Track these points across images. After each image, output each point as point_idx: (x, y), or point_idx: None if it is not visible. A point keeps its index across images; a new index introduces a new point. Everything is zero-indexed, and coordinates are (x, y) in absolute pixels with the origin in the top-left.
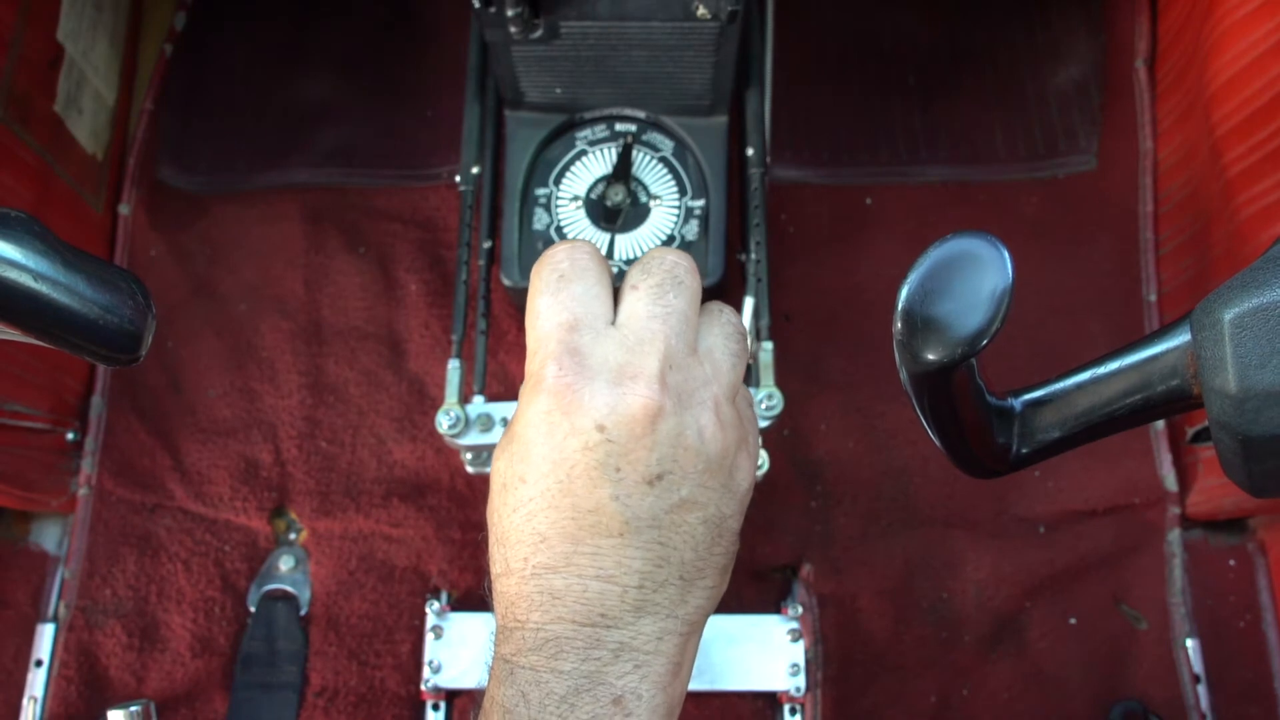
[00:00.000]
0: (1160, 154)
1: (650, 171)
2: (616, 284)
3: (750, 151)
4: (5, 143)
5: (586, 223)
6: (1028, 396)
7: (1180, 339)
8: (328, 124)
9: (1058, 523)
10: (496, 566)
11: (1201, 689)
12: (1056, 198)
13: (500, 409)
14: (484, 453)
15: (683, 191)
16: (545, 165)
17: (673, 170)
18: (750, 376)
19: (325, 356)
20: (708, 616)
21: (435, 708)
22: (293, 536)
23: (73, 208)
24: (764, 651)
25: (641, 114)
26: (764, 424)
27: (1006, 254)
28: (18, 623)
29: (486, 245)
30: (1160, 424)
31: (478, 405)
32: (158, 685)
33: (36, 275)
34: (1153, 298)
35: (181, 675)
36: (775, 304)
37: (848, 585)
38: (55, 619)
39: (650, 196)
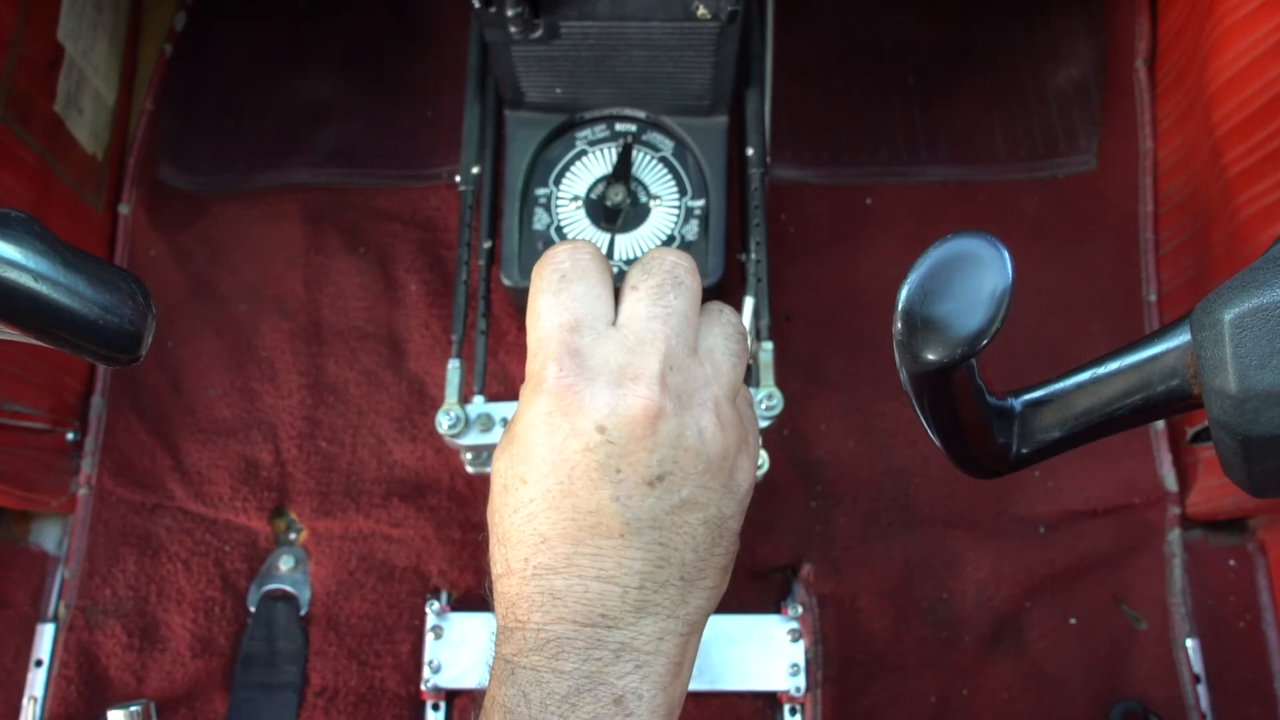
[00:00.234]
0: (1160, 154)
1: (650, 171)
2: (617, 284)
3: (750, 151)
4: (5, 143)
5: (586, 223)
6: (1028, 396)
7: (1180, 339)
8: (328, 124)
9: (1058, 523)
10: (497, 567)
11: (1201, 689)
12: (1056, 198)
13: (500, 409)
14: (484, 453)
15: (683, 191)
16: (545, 165)
17: (673, 170)
18: (750, 376)
19: (325, 356)
20: (708, 617)
21: (435, 708)
22: (293, 536)
23: (73, 208)
24: (764, 651)
25: (641, 114)
26: (764, 424)
27: (1006, 254)
28: (18, 623)
29: (486, 245)
30: (1160, 424)
31: (478, 405)
32: (158, 685)
33: (36, 275)
34: (1153, 298)
35: (181, 675)
36: (775, 304)
37: (848, 585)
38: (55, 619)
39: (650, 196)
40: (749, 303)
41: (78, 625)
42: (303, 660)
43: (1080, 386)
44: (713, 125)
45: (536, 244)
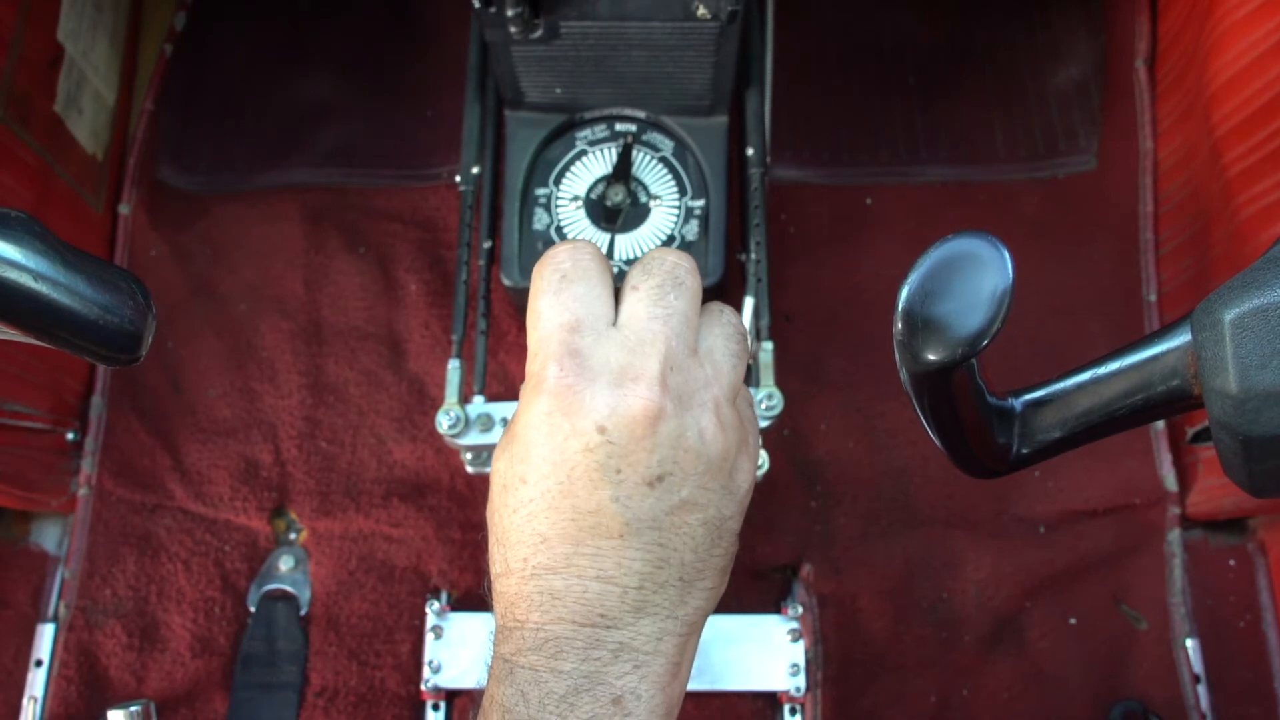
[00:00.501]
0: (1160, 154)
1: (650, 171)
2: (617, 284)
3: (750, 151)
4: (5, 143)
5: (586, 223)
6: (1028, 397)
7: (1181, 339)
8: (328, 124)
9: (1058, 523)
10: (496, 566)
11: (1201, 689)
12: (1056, 198)
13: (500, 409)
14: (484, 453)
15: (683, 191)
16: (545, 165)
17: (673, 170)
18: (750, 376)
19: (325, 356)
20: (707, 617)
21: (435, 708)
22: (293, 536)
23: (73, 208)
24: (764, 651)
25: (641, 114)
26: (764, 424)
27: (1007, 254)
28: (18, 623)
29: (486, 245)
30: (1160, 424)
31: (478, 405)
32: (158, 685)
33: (36, 275)
34: (1153, 298)
35: (181, 675)
36: (775, 304)
37: (848, 585)
38: (55, 619)
39: (650, 196)
40: (749, 303)
41: (78, 625)
42: (303, 660)
43: (1081, 387)
44: (713, 125)
45: (536, 244)
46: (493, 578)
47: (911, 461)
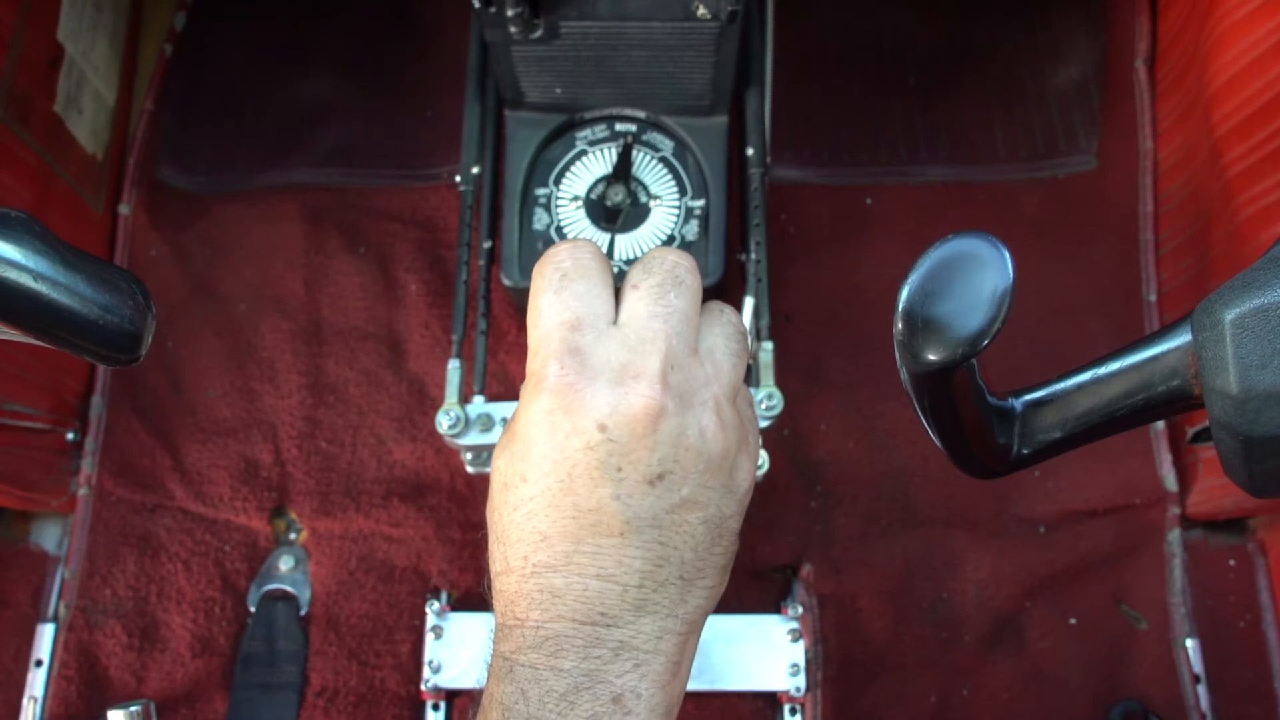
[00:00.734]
0: (1160, 154)
1: (650, 171)
2: (617, 284)
3: (750, 151)
4: (5, 143)
5: (586, 223)
6: (1028, 397)
7: (1181, 339)
8: (328, 124)
9: (1058, 523)
10: (496, 564)
11: (1201, 689)
12: (1056, 198)
13: (500, 409)
14: (484, 453)
15: (683, 191)
16: (545, 165)
17: (673, 170)
18: (750, 376)
19: (325, 356)
20: (707, 616)
21: (435, 708)
22: (293, 536)
23: (73, 208)
24: (764, 651)
25: (641, 114)
26: (764, 424)
27: (1007, 254)
28: (18, 623)
29: (486, 245)
30: (1160, 424)
31: (478, 405)
32: (158, 685)
33: (36, 275)
34: (1153, 298)
35: (181, 675)
36: (775, 304)
37: (848, 585)
38: (55, 619)
39: (650, 196)
40: (749, 303)
41: (78, 625)
42: (303, 660)
43: (1081, 387)
44: (713, 125)
45: (536, 244)
46: (493, 576)
47: (911, 461)
